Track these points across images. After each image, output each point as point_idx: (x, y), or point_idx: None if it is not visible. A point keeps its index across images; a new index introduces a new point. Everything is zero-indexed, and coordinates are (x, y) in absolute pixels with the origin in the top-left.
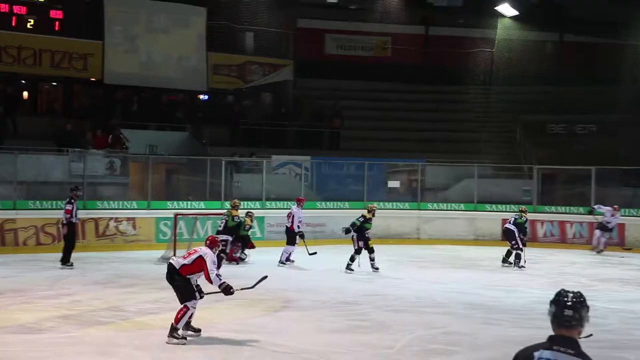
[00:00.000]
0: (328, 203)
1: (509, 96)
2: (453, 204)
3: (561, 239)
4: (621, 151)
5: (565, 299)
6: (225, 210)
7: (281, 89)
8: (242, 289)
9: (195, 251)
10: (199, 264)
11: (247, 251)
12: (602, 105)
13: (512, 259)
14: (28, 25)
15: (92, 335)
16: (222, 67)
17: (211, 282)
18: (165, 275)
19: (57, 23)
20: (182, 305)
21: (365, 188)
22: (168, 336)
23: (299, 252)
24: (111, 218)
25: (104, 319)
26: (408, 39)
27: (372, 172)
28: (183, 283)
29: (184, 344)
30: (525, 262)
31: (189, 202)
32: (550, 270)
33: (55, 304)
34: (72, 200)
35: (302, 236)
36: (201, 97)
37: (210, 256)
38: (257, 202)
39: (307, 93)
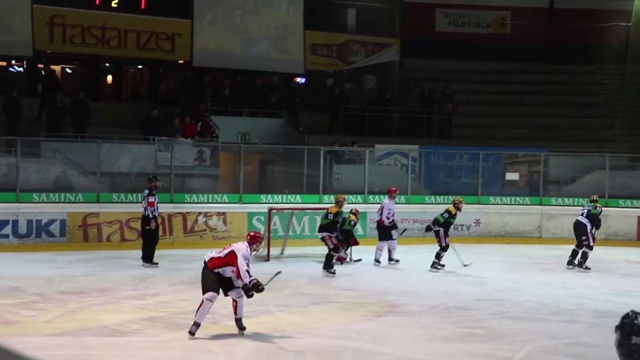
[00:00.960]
0: (437, 197)
1: None
2: (580, 199)
3: None
4: None
5: (636, 322)
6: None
7: (386, 71)
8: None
9: (230, 245)
10: (230, 258)
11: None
12: None
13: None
14: (112, 4)
15: (180, 339)
16: (320, 47)
17: (240, 278)
18: None
19: (143, 1)
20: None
21: (480, 181)
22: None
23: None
24: (200, 213)
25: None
26: (530, 13)
27: (487, 163)
28: (209, 275)
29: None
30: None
31: (284, 196)
32: None
33: (141, 305)
34: (154, 192)
35: (394, 227)
36: (298, 80)
37: (242, 251)
38: (359, 196)
39: (415, 75)
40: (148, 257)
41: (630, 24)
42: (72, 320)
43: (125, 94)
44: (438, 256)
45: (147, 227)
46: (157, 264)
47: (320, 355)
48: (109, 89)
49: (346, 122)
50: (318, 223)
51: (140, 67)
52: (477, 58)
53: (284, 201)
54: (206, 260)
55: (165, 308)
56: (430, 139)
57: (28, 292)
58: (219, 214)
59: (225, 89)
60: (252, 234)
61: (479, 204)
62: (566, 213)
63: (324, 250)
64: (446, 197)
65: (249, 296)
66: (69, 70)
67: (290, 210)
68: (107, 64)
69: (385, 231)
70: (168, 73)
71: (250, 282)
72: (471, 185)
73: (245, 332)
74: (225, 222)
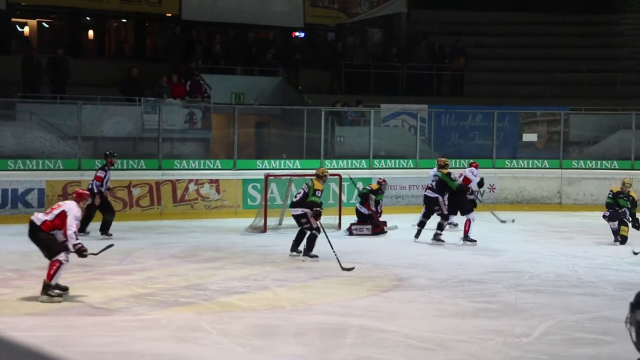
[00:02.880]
0: (450, 161)
1: None
2: (604, 162)
3: None
4: None
5: None
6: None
7: (392, 24)
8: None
9: (59, 206)
10: (61, 220)
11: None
12: None
13: None
14: None
15: (170, 318)
16: None
17: (66, 239)
18: None
19: None
20: (53, 260)
21: (495, 143)
22: (41, 294)
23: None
24: (191, 180)
25: (183, 299)
26: None
27: (502, 124)
28: (48, 238)
29: (60, 302)
30: None
31: (282, 161)
32: None
33: (127, 281)
34: (107, 168)
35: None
36: (296, 34)
37: (74, 212)
38: (364, 161)
39: (424, 28)
40: (103, 228)
41: None
42: None
43: (108, 51)
44: (440, 227)
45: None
46: (110, 235)
47: (323, 333)
48: (91, 45)
49: (349, 80)
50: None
51: (124, 21)
52: (492, 8)
53: (282, 167)
54: (39, 224)
55: (153, 284)
56: (441, 97)
57: (4, 268)
58: (211, 181)
59: (217, 45)
60: (78, 191)
61: (493, 167)
62: (589, 177)
63: (324, 219)
64: (458, 160)
65: (82, 257)
66: (45, 25)
67: (288, 177)
68: (88, 18)
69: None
70: (155, 28)
71: (75, 245)
72: (485, 148)
73: (243, 309)
74: (218, 191)
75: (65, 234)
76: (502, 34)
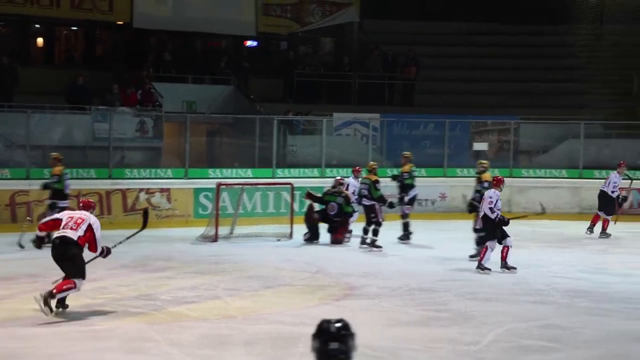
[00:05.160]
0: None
1: (625, 37)
2: (553, 170)
3: None
4: None
5: (331, 328)
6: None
7: (345, 33)
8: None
9: (82, 219)
10: (90, 232)
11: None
12: None
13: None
14: None
15: (120, 328)
16: (274, 7)
17: (95, 251)
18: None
19: None
20: (71, 279)
21: (446, 152)
22: (41, 297)
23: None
24: (141, 189)
25: (133, 309)
26: None
27: (454, 132)
28: (81, 253)
29: (46, 316)
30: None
31: (234, 170)
32: None
33: (76, 292)
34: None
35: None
36: (249, 43)
37: (98, 223)
38: (315, 169)
39: (376, 38)
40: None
41: None
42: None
43: (57, 59)
44: (375, 232)
45: None
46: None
47: (274, 343)
48: (40, 53)
49: (301, 89)
50: (273, 200)
51: (74, 28)
52: (443, 18)
53: (234, 176)
54: (75, 238)
55: (104, 294)
56: (393, 106)
57: None
58: (162, 190)
59: (168, 53)
60: (85, 200)
61: (444, 176)
62: (538, 185)
63: (276, 229)
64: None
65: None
66: None
67: (240, 186)
68: (37, 25)
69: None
70: (105, 35)
71: (102, 253)
72: (437, 157)
73: (193, 319)
74: (169, 200)
75: (94, 249)
76: (455, 44)
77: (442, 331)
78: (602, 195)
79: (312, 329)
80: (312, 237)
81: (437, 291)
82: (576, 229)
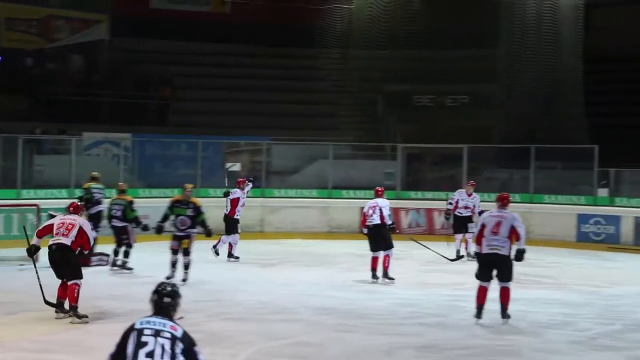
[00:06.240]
0: (153, 190)
1: (370, 62)
2: (304, 190)
3: (428, 230)
4: (496, 127)
5: (164, 289)
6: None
7: (94, 51)
8: None
9: (72, 225)
10: (81, 236)
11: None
12: (477, 72)
13: None
14: None
15: None
16: (18, 22)
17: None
18: None
19: None
20: (71, 284)
21: (199, 172)
22: (71, 315)
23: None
24: None
25: None
26: None
27: (207, 153)
28: (76, 257)
29: (86, 322)
30: None
31: None
32: (415, 267)
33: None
34: None
35: None
36: None
37: (87, 224)
38: (64, 190)
39: (128, 56)
40: None
41: (352, 6)
42: None
43: None
44: (126, 254)
45: None
46: None
47: None
48: None
49: (49, 107)
50: (17, 222)
51: None
52: (197, 39)
53: None
54: (69, 244)
55: None
56: (146, 126)
57: None
58: None
59: None
60: (74, 204)
61: (198, 197)
62: (289, 206)
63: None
64: (162, 190)
65: None
66: None
67: None
68: None
69: (233, 225)
70: None
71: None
72: (190, 177)
73: None
74: None
75: (89, 248)
76: (207, 65)
77: None
78: (456, 217)
79: (58, 355)
80: None
81: (189, 312)
82: (325, 248)
